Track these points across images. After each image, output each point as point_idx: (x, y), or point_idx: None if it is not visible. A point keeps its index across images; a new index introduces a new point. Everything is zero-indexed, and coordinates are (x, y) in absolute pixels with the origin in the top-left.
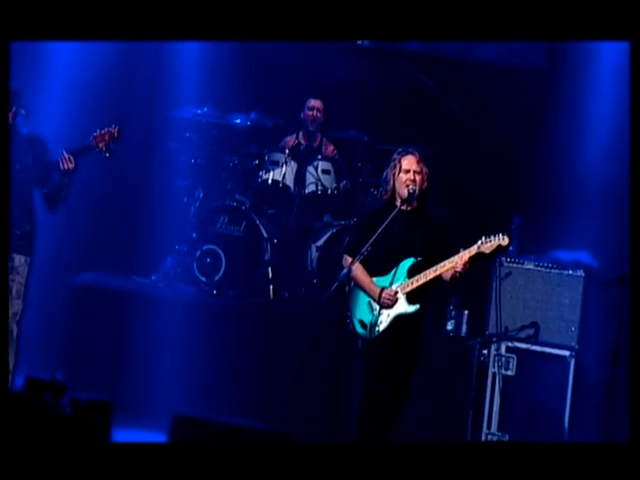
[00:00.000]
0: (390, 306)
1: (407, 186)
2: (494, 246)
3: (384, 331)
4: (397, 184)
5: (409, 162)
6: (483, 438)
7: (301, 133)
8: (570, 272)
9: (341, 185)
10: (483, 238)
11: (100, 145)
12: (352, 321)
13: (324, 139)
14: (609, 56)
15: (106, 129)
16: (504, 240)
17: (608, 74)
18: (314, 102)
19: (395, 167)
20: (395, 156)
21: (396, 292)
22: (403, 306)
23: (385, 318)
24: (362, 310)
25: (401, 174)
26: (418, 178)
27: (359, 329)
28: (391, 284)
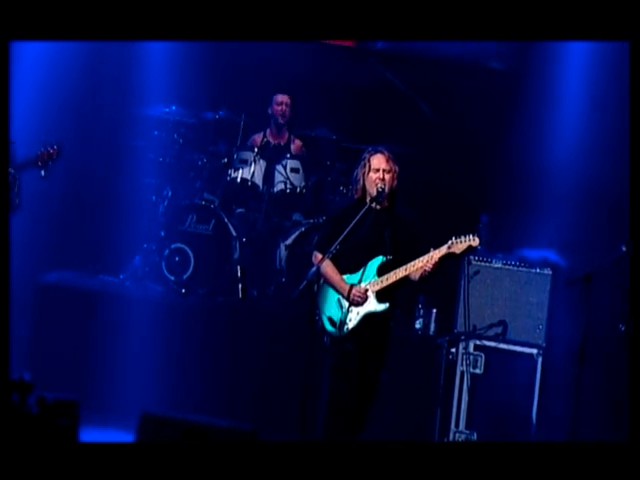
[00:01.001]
0: (360, 304)
1: (376, 185)
2: (464, 247)
3: (353, 329)
4: (367, 183)
5: (378, 161)
6: (451, 436)
7: (269, 131)
8: (538, 270)
9: (309, 183)
10: (453, 238)
11: (39, 163)
12: (321, 318)
13: (292, 136)
14: (576, 56)
15: (45, 149)
16: (474, 241)
17: (575, 74)
18: (282, 97)
19: (365, 166)
20: (365, 155)
21: (366, 290)
22: (373, 304)
23: (354, 316)
24: (331, 307)
25: (370, 173)
26: (387, 177)
27: (328, 326)
28: (360, 282)
